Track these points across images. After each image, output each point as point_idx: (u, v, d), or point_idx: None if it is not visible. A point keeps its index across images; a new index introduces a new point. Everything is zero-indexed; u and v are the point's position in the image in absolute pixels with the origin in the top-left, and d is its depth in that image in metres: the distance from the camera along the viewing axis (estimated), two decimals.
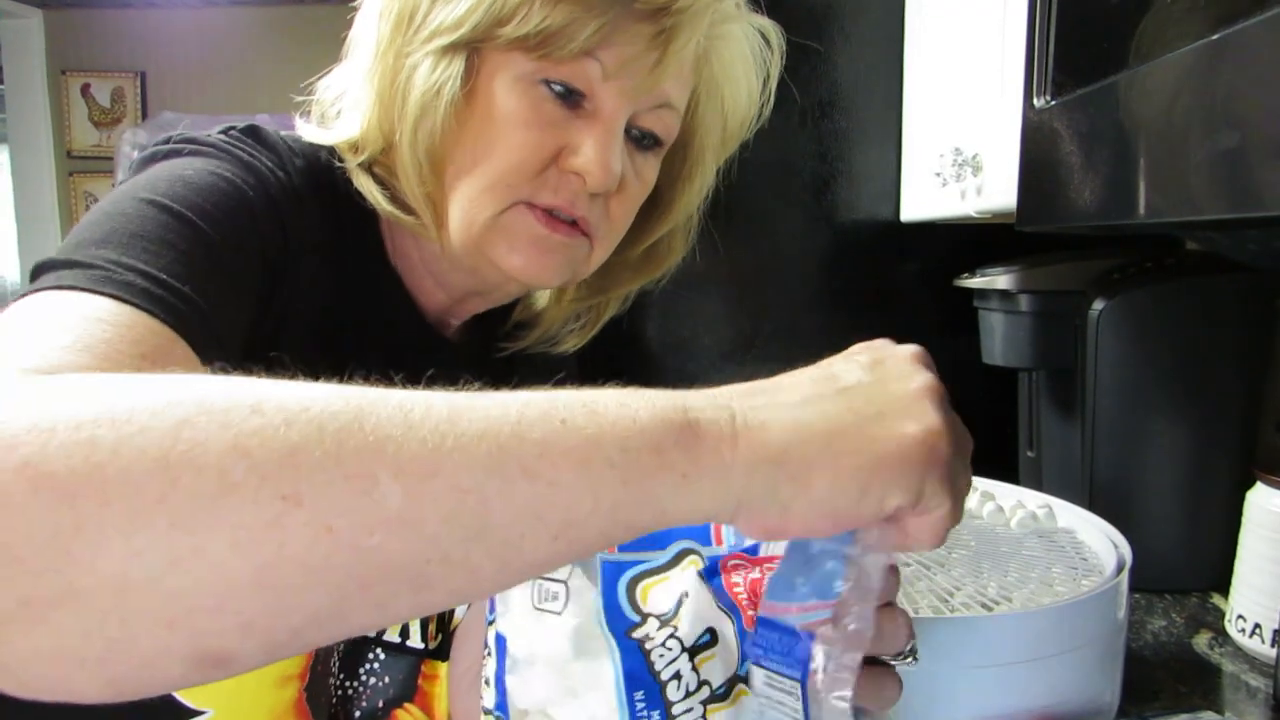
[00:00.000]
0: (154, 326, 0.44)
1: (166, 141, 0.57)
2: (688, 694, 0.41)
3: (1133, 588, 0.66)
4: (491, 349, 0.77)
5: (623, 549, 0.44)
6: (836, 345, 0.41)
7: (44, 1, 3.67)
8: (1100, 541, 0.72)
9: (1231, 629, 0.82)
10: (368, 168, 0.64)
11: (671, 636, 0.41)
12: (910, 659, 0.41)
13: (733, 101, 0.71)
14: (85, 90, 3.83)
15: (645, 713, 0.40)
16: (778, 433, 0.34)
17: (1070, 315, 0.94)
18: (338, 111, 0.66)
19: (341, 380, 0.32)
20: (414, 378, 0.36)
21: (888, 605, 0.41)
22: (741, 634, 0.42)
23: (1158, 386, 0.90)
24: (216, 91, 3.69)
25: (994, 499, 0.80)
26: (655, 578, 0.43)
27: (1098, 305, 0.90)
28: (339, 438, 0.29)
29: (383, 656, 0.66)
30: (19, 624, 0.27)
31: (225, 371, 0.33)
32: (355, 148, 0.64)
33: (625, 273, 0.75)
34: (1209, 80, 0.44)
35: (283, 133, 0.63)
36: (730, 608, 0.42)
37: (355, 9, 0.66)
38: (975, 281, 1.05)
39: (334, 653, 0.63)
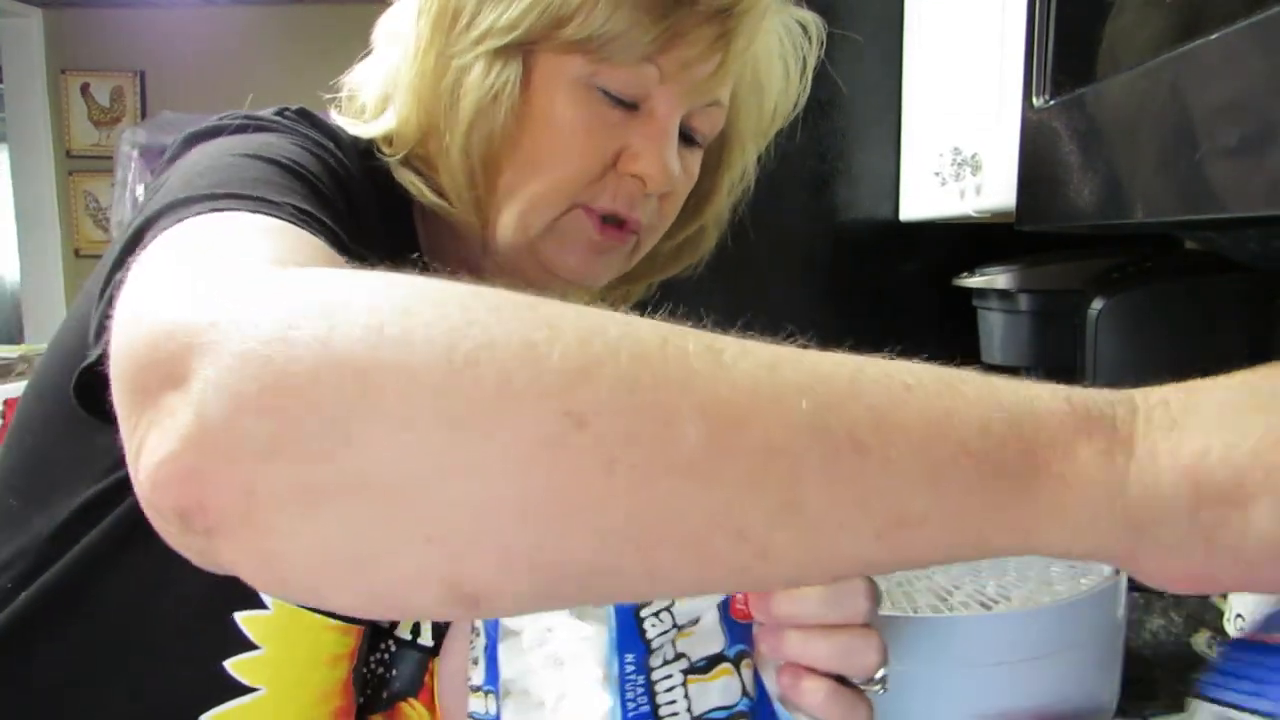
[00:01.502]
0: (333, 253, 0.40)
1: (222, 119, 0.56)
2: (665, 662, 0.42)
3: (1132, 586, 0.66)
4: None
5: None
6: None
7: (43, 1, 3.67)
8: None
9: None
10: (405, 161, 0.64)
11: (666, 610, 0.43)
12: (879, 687, 0.41)
13: (771, 91, 0.71)
14: (85, 89, 3.83)
15: (633, 675, 0.42)
16: (1198, 437, 0.26)
17: (1070, 315, 0.94)
18: (364, 106, 0.65)
19: None
20: None
21: (863, 626, 0.40)
22: (726, 620, 0.44)
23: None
24: (216, 91, 3.67)
25: None
26: None
27: (1097, 305, 0.90)
28: (636, 363, 0.25)
29: (394, 649, 0.66)
30: (294, 510, 0.25)
31: None
32: (389, 141, 0.63)
33: (658, 263, 0.74)
34: (1209, 79, 0.44)
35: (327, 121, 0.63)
36: (723, 597, 0.44)
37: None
38: (975, 281, 1.05)
39: (365, 635, 0.63)
